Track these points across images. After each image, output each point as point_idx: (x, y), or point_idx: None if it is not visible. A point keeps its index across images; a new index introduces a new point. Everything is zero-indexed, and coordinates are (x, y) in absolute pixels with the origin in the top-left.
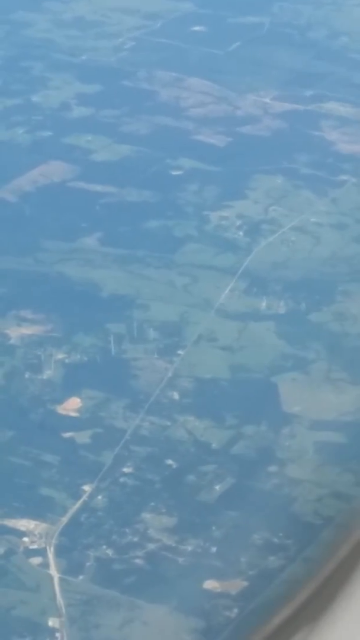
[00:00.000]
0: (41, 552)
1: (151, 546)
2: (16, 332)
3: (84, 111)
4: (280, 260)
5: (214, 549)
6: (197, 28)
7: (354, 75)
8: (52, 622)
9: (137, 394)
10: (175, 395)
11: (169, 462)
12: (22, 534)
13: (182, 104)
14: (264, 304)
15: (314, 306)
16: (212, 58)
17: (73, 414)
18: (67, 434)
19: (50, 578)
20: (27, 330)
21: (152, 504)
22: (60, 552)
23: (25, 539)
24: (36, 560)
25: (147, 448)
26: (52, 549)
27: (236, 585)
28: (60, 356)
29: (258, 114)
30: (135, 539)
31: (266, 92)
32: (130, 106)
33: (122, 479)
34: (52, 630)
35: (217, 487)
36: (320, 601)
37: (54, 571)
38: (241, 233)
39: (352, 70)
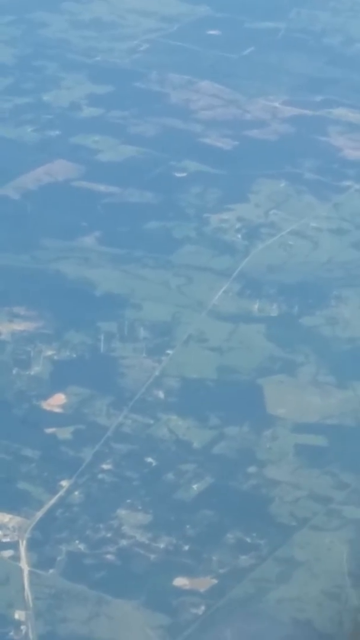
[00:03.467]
0: (13, 546)
1: (124, 542)
2: (7, 328)
3: (93, 111)
4: (277, 263)
5: (186, 547)
6: (212, 32)
7: None
8: (18, 615)
9: (123, 391)
10: (161, 394)
11: (149, 460)
12: None
13: (192, 107)
14: (256, 307)
15: (307, 310)
16: (226, 62)
17: (57, 410)
18: (50, 430)
19: (20, 571)
20: (18, 326)
21: (129, 501)
22: (32, 545)
23: None
24: (7, 553)
25: (128, 445)
26: (24, 542)
27: (206, 583)
28: (49, 353)
29: (266, 118)
30: (109, 535)
31: (276, 96)
32: (139, 108)
33: (100, 476)
34: (18, 623)
35: (195, 486)
36: None
37: (24, 564)
38: (240, 236)
39: None
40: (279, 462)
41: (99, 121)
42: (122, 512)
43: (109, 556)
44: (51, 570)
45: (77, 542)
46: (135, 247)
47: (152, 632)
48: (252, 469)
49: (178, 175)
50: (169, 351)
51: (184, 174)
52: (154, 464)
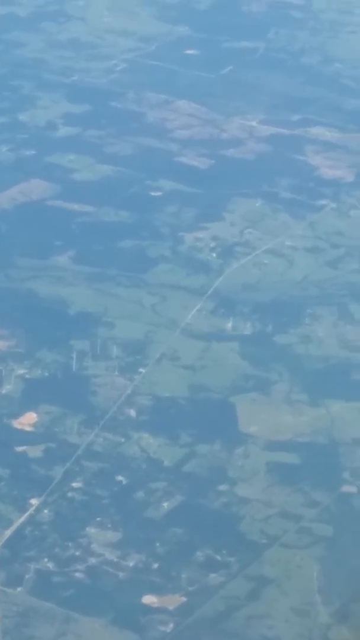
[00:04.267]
0: None
1: (93, 560)
2: None
3: (69, 131)
4: (251, 282)
5: (155, 565)
6: (190, 51)
7: (343, 101)
8: None
9: (94, 410)
10: (132, 413)
11: (119, 478)
12: None
13: (168, 126)
14: (230, 325)
15: (281, 328)
16: (203, 81)
17: (28, 429)
18: (20, 448)
19: None
20: None
21: (98, 519)
22: (0, 564)
23: None
24: None
25: (99, 463)
26: None
27: (174, 600)
28: (21, 371)
29: (243, 137)
30: (78, 553)
31: (253, 115)
32: (116, 127)
33: (70, 494)
34: None
35: (165, 504)
36: None
37: None
38: (214, 255)
39: (342, 96)
40: (250, 480)
41: (75, 140)
42: (91, 530)
43: (77, 574)
44: (19, 589)
45: (45, 560)
46: (109, 265)
47: None
48: (223, 487)
49: (153, 194)
50: (141, 369)
51: (160, 193)
52: (125, 482)
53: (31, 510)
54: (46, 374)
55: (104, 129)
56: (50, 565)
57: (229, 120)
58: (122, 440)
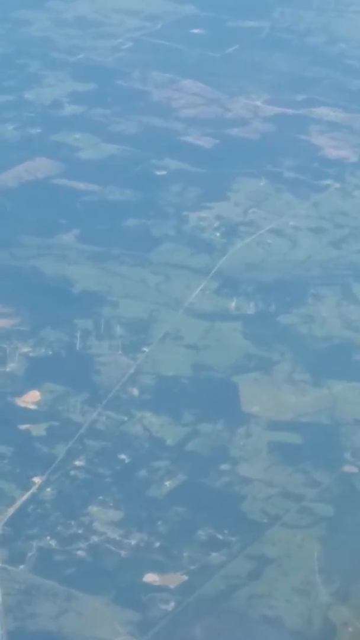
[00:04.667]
0: None
1: (95, 539)
2: None
3: (75, 109)
4: (255, 262)
5: (157, 544)
6: (196, 30)
7: (348, 81)
8: None
9: (97, 388)
10: (135, 391)
11: (122, 456)
12: None
13: (173, 105)
14: (233, 304)
15: (284, 308)
16: (208, 60)
17: (31, 407)
18: (24, 426)
19: None
20: None
21: (101, 497)
22: (3, 541)
23: None
24: None
25: (102, 442)
26: None
27: (176, 579)
28: (25, 350)
29: (248, 117)
30: (80, 531)
31: (258, 95)
32: (121, 106)
33: (72, 472)
34: None
35: (167, 483)
36: None
37: None
38: (218, 234)
39: (346, 76)
40: (252, 460)
41: (81, 119)
42: (93, 508)
43: (79, 552)
44: (21, 566)
45: (48, 538)
46: (113, 244)
47: (121, 627)
48: (225, 467)
49: (158, 173)
50: (144, 349)
51: (164, 172)
52: (127, 460)
53: (34, 488)
54: (50, 352)
55: (109, 108)
56: (53, 543)
57: (233, 99)
58: (125, 419)
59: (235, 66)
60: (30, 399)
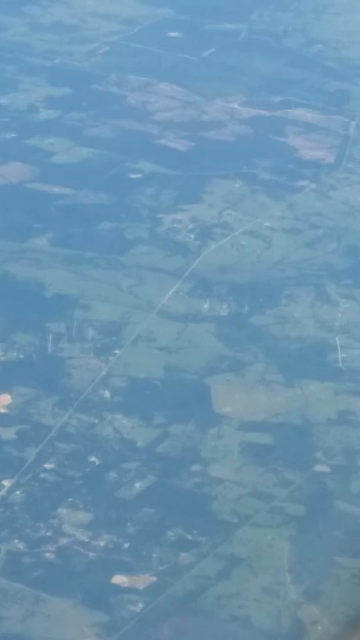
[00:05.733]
0: None
1: (63, 541)
2: None
3: (50, 114)
4: (229, 263)
5: (126, 545)
6: (173, 34)
7: (325, 82)
8: None
9: (69, 391)
10: (107, 394)
11: (92, 459)
12: None
13: (149, 109)
14: (206, 306)
15: (257, 309)
16: (185, 63)
17: (2, 410)
18: None
19: None
20: None
21: (70, 499)
22: None
23: None
24: None
25: (72, 445)
26: None
27: (144, 580)
28: None
29: (224, 119)
30: (49, 534)
31: (235, 97)
32: (97, 110)
33: (42, 475)
34: None
35: (138, 485)
36: None
37: None
38: (192, 236)
39: (323, 77)
40: (223, 460)
41: (56, 123)
42: (63, 511)
43: (48, 555)
44: None
45: (16, 541)
46: (87, 248)
47: (88, 629)
48: (195, 467)
49: (133, 176)
50: (116, 351)
51: (139, 175)
52: (97, 462)
53: (3, 491)
54: (21, 356)
55: (84, 112)
56: (21, 546)
57: (210, 102)
58: (96, 421)
59: (212, 69)
60: (1, 402)
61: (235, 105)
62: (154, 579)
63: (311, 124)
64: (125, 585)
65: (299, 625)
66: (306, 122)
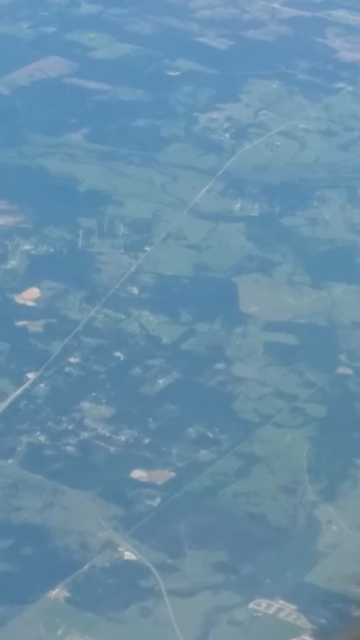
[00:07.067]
0: None
1: (85, 435)
2: None
3: (91, 8)
4: (262, 163)
5: (147, 440)
6: None
7: None
8: None
9: (97, 287)
10: (135, 290)
11: (117, 354)
12: None
13: (191, 6)
14: (238, 206)
15: (288, 210)
16: None
17: (30, 304)
18: (21, 323)
19: None
20: None
21: (94, 394)
22: None
23: None
24: None
25: (98, 340)
26: None
27: (163, 475)
28: (27, 247)
29: (264, 19)
30: (70, 427)
31: None
32: (138, 6)
33: (67, 369)
34: None
35: (161, 381)
36: None
37: None
38: (227, 135)
39: None
40: (247, 360)
41: (96, 18)
42: (85, 405)
43: (68, 448)
44: (10, 460)
45: (38, 433)
46: (122, 144)
47: (105, 522)
48: (219, 366)
49: (171, 73)
50: (146, 248)
51: (177, 73)
52: (122, 358)
53: (27, 384)
54: (52, 250)
55: (125, 8)
56: (42, 438)
57: (251, 1)
58: (123, 317)
59: None
60: (29, 295)
61: (276, 5)
62: (172, 474)
63: (352, 26)
64: (144, 480)
65: (315, 524)
66: (347, 24)
